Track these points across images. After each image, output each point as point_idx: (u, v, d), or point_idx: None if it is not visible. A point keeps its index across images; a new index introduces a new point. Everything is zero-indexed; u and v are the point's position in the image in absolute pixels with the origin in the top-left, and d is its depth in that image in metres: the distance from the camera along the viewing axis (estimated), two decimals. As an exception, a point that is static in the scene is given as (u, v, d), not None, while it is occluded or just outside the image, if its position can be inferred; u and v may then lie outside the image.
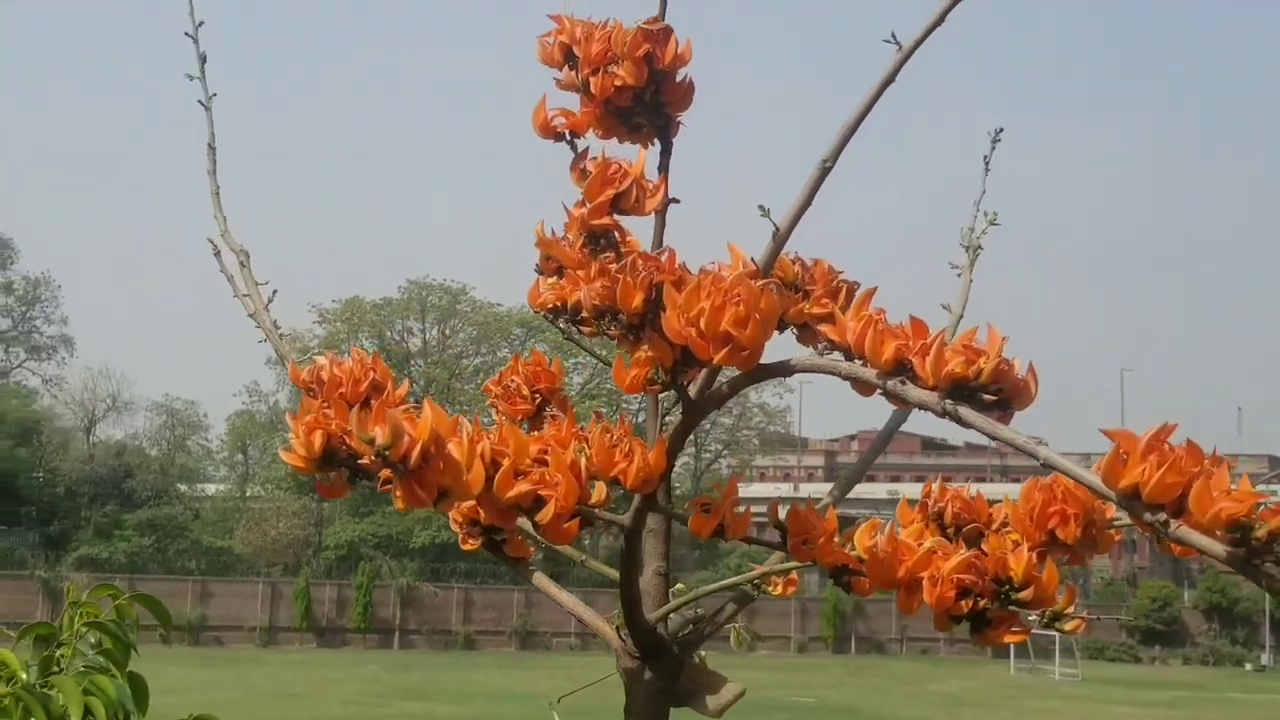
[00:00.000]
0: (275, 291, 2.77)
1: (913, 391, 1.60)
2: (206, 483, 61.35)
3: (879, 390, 1.68)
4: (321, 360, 2.18)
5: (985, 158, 3.15)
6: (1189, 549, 1.40)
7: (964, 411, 1.54)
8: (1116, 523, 1.98)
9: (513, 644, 48.42)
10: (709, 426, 56.54)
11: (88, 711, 1.83)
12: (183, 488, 55.36)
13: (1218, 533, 1.31)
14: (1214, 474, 1.34)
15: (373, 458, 1.60)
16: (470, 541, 2.31)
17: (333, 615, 46.64)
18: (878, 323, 1.69)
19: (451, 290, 54.56)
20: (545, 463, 1.74)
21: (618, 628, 2.21)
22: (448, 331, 55.11)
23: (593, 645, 45.27)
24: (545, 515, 1.69)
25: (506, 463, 1.68)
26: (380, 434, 1.59)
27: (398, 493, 1.62)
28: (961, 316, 2.72)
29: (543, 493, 1.70)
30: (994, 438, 1.50)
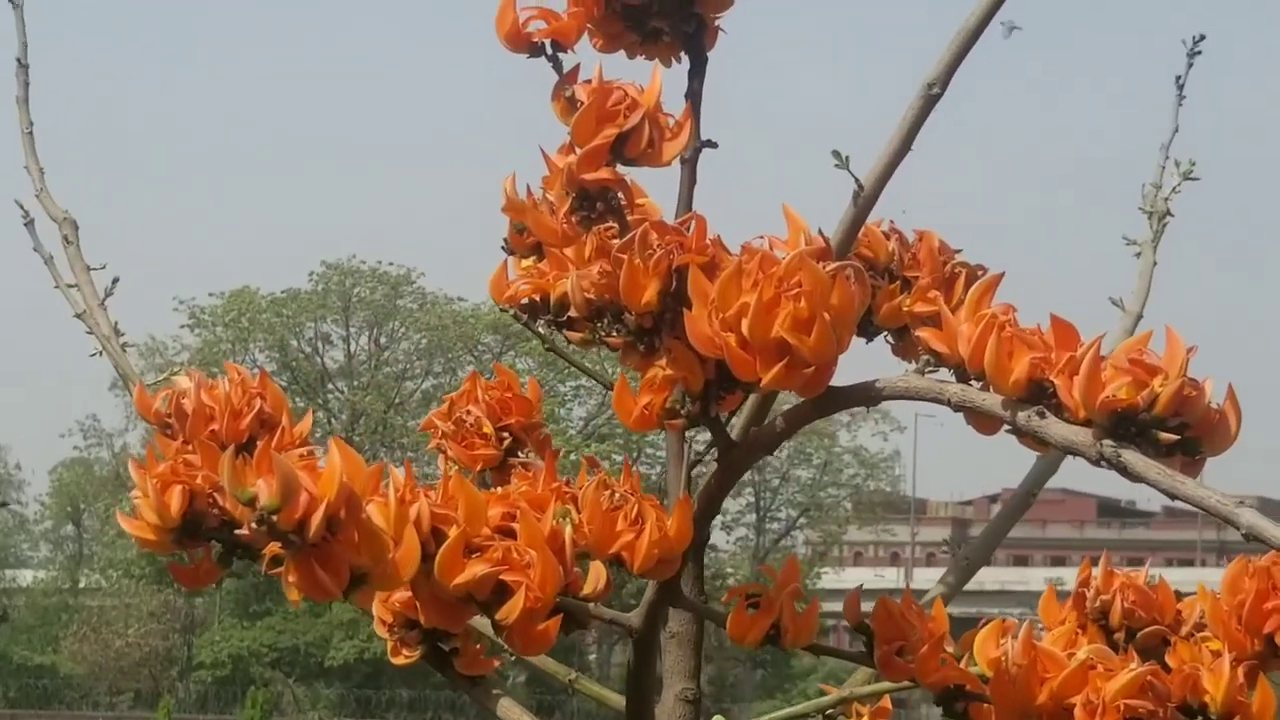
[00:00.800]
0: (116, 280, 2.84)
1: (1055, 427, 1.64)
2: (19, 567, 61.74)
3: (1005, 426, 1.71)
4: (184, 382, 2.23)
5: (1178, 80, 3.21)
6: None
7: (1129, 457, 1.58)
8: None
9: (482, 811, 48.61)
10: (778, 483, 56.71)
11: None
12: (-17, 576, 55.80)
13: None
14: None
15: (254, 525, 1.64)
16: (405, 653, 2.36)
17: (209, 768, 46.91)
18: (1004, 326, 1.73)
19: (389, 278, 54.83)
20: (512, 533, 1.78)
21: (625, 783, 2.25)
22: (383, 339, 55.38)
23: (601, 813, 45.42)
24: (511, 611, 1.73)
25: (454, 533, 1.72)
26: (265, 491, 1.63)
27: (290, 579, 1.66)
28: (1140, 316, 2.77)
29: (507, 578, 1.74)
30: (1173, 496, 1.54)
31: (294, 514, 1.62)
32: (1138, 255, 2.93)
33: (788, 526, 57.75)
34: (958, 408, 1.77)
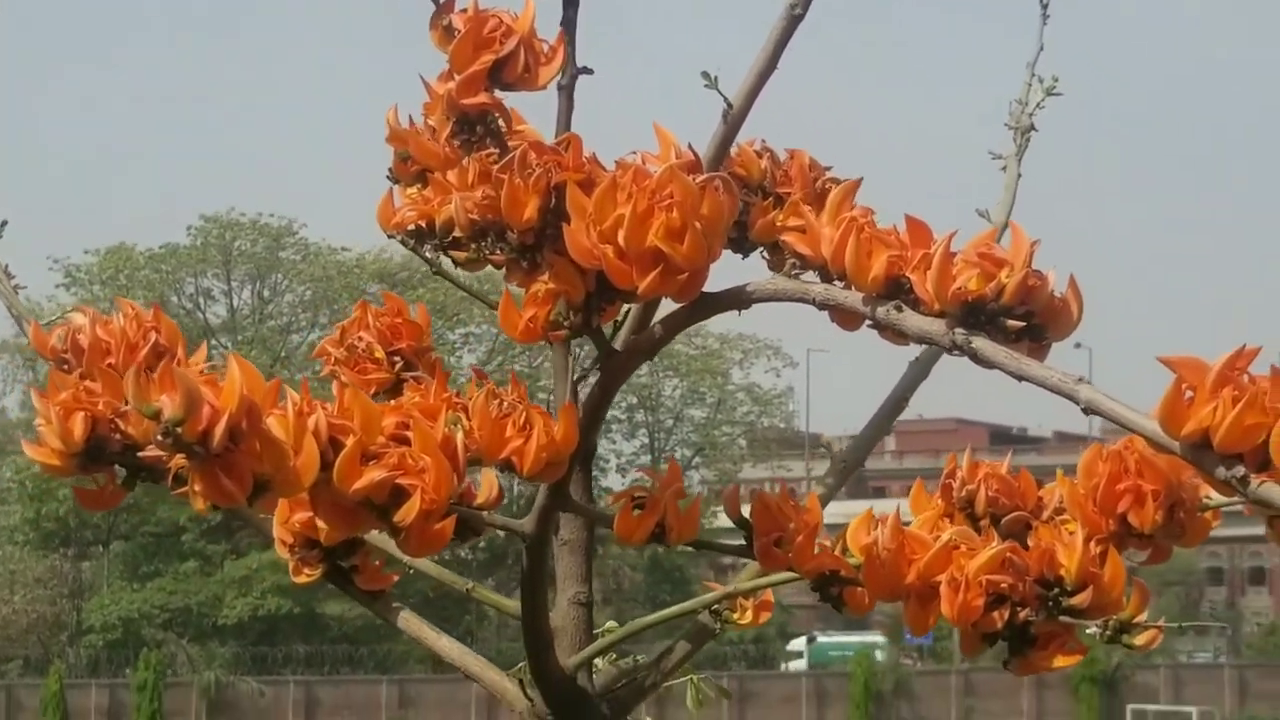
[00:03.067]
0: (5, 222, 2.90)
1: (912, 319, 1.77)
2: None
3: (866, 321, 1.84)
4: (79, 318, 2.31)
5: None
6: (1274, 512, 1.57)
7: (979, 343, 1.71)
8: (1212, 503, 2.16)
9: (383, 765, 48.61)
10: (672, 423, 56.95)
11: None
12: None
13: (1314, 491, 1.49)
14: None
15: (160, 438, 1.74)
16: (306, 571, 2.46)
17: (103, 732, 46.63)
18: (863, 227, 1.86)
19: (270, 230, 54.46)
20: (406, 441, 1.89)
21: (521, 681, 2.37)
22: (266, 293, 55.09)
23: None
24: (407, 513, 1.84)
25: (351, 441, 1.83)
26: (169, 404, 1.73)
27: (196, 488, 1.77)
28: (1006, 226, 2.90)
29: (403, 482, 1.85)
30: (1020, 377, 1.67)
31: (198, 425, 1.73)
32: (1003, 169, 3.06)
33: (683, 466, 57.87)
34: (822, 306, 1.90)
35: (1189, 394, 1.59)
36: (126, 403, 1.98)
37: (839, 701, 52.45)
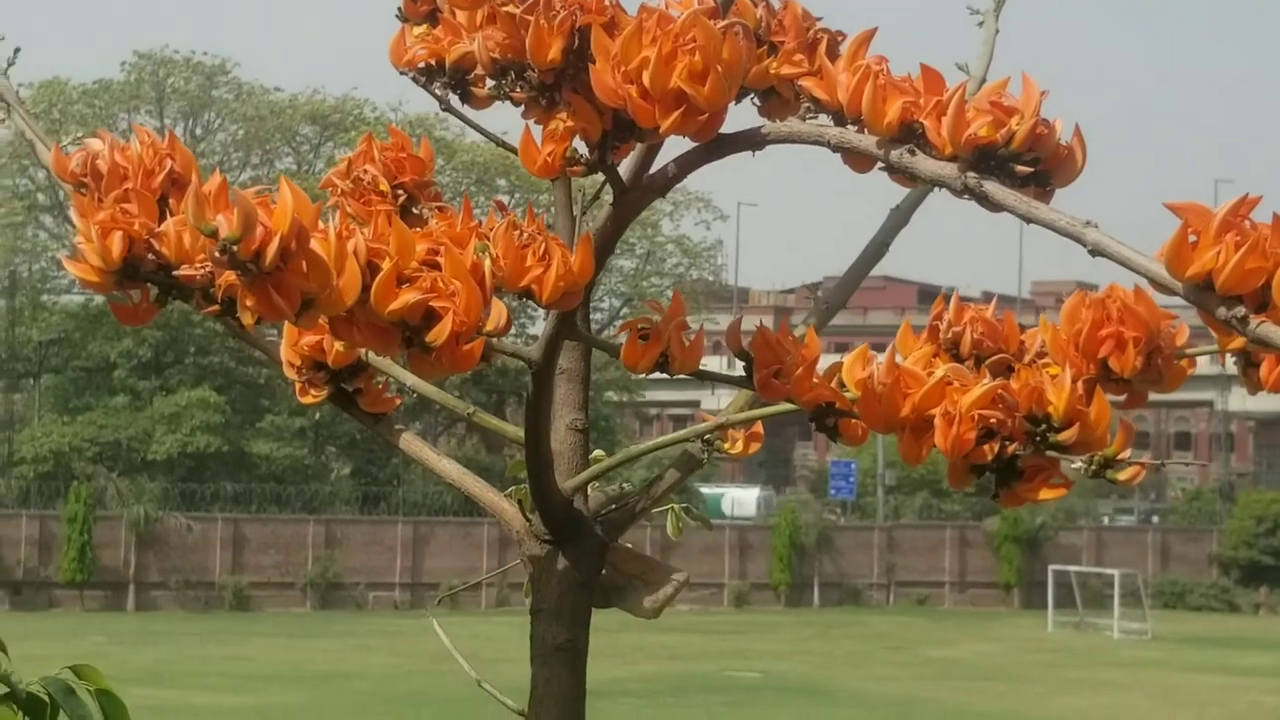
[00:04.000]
0: (18, 50, 2.96)
1: (924, 163, 1.86)
2: None
3: (879, 164, 1.93)
4: (97, 144, 2.37)
5: None
6: (1273, 354, 1.68)
7: (990, 187, 1.80)
8: (1188, 351, 2.27)
9: (307, 602, 49.00)
10: (601, 274, 56.98)
11: None
12: None
13: (1307, 331, 1.59)
14: (1296, 255, 1.62)
15: (216, 255, 1.82)
16: (312, 392, 2.55)
17: (32, 562, 46.79)
18: (878, 75, 1.94)
19: (204, 68, 54.03)
20: (438, 266, 1.97)
21: (520, 502, 2.47)
22: (199, 130, 54.71)
23: (427, 598, 45.92)
24: (439, 334, 1.92)
25: (387, 265, 1.91)
26: (225, 223, 1.81)
27: (247, 303, 1.85)
28: (984, 80, 2.98)
29: (435, 304, 1.93)
30: (1029, 219, 1.77)
31: (252, 244, 1.81)
32: (980, 24, 3.13)
33: (611, 316, 58.20)
34: (837, 148, 1.99)
35: (1193, 239, 1.68)
36: (160, 221, 2.06)
37: (760, 554, 53.03)
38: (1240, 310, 1.65)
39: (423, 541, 49.02)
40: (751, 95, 2.42)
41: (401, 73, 2.44)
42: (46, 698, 2.45)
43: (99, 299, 53.62)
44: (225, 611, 47.09)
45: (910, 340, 2.32)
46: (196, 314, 2.08)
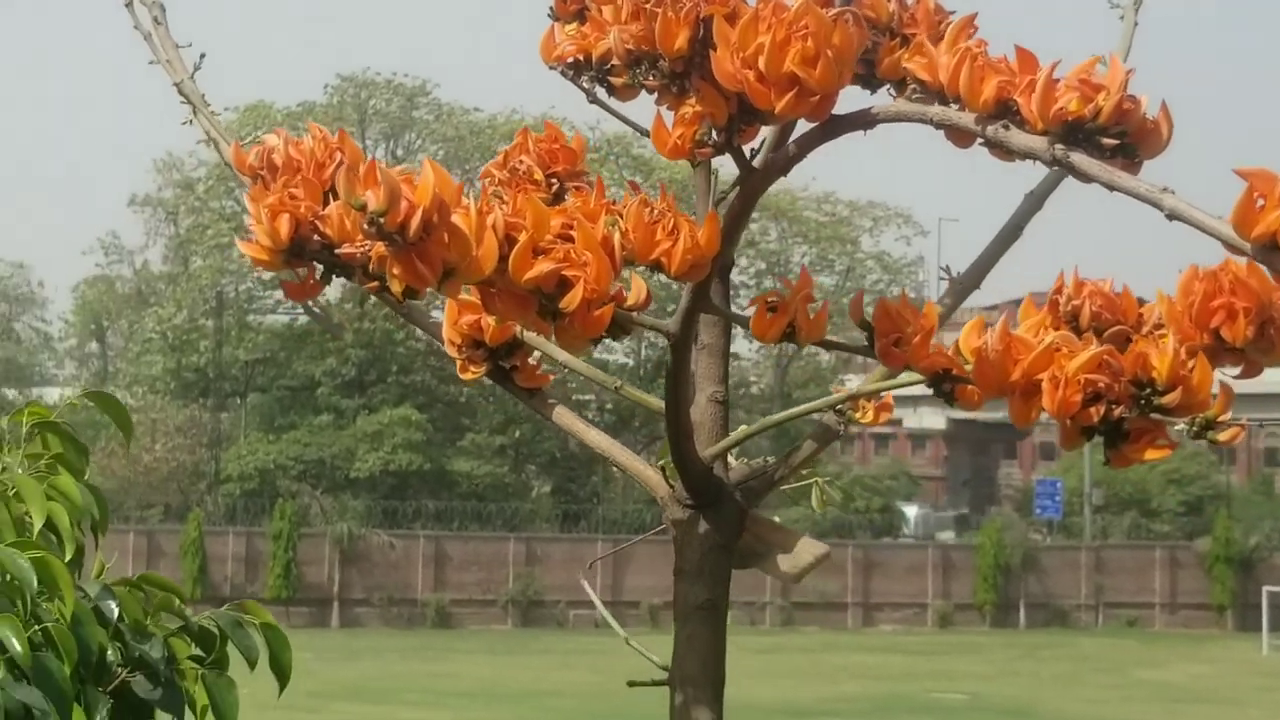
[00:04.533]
0: (203, 55, 3.17)
1: (1017, 137, 2.01)
2: (45, 385, 62.40)
3: (978, 139, 2.08)
4: (273, 140, 2.58)
5: None
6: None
7: (1077, 158, 1.95)
8: (1302, 322, 2.38)
9: (508, 619, 49.46)
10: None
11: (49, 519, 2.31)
12: (9, 393, 56.38)
13: (1367, 285, 1.72)
14: (1359, 216, 1.75)
15: (365, 227, 2.01)
16: (472, 368, 2.74)
17: (239, 578, 47.73)
18: (976, 56, 2.09)
19: (404, 89, 54.88)
20: (571, 239, 2.15)
21: (663, 467, 2.64)
22: (400, 151, 55.56)
23: (629, 619, 46.17)
24: (571, 300, 2.11)
25: (523, 237, 2.10)
26: (373, 198, 2.01)
27: (395, 271, 2.04)
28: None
29: (568, 273, 2.12)
30: (1111, 187, 1.91)
31: (397, 216, 2.01)
32: (1121, 17, 3.26)
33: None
34: (939, 125, 2.14)
35: (1260, 202, 1.81)
36: (326, 205, 2.26)
37: (964, 574, 52.62)
38: (1303, 267, 1.78)
39: (622, 559, 49.37)
40: (888, 86, 2.58)
41: (551, 68, 2.62)
42: (216, 630, 2.67)
43: (304, 319, 54.83)
44: (427, 628, 47.69)
45: (1032, 313, 2.46)
46: (367, 299, 2.26)
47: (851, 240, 57.55)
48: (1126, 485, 59.26)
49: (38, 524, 2.51)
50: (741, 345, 51.90)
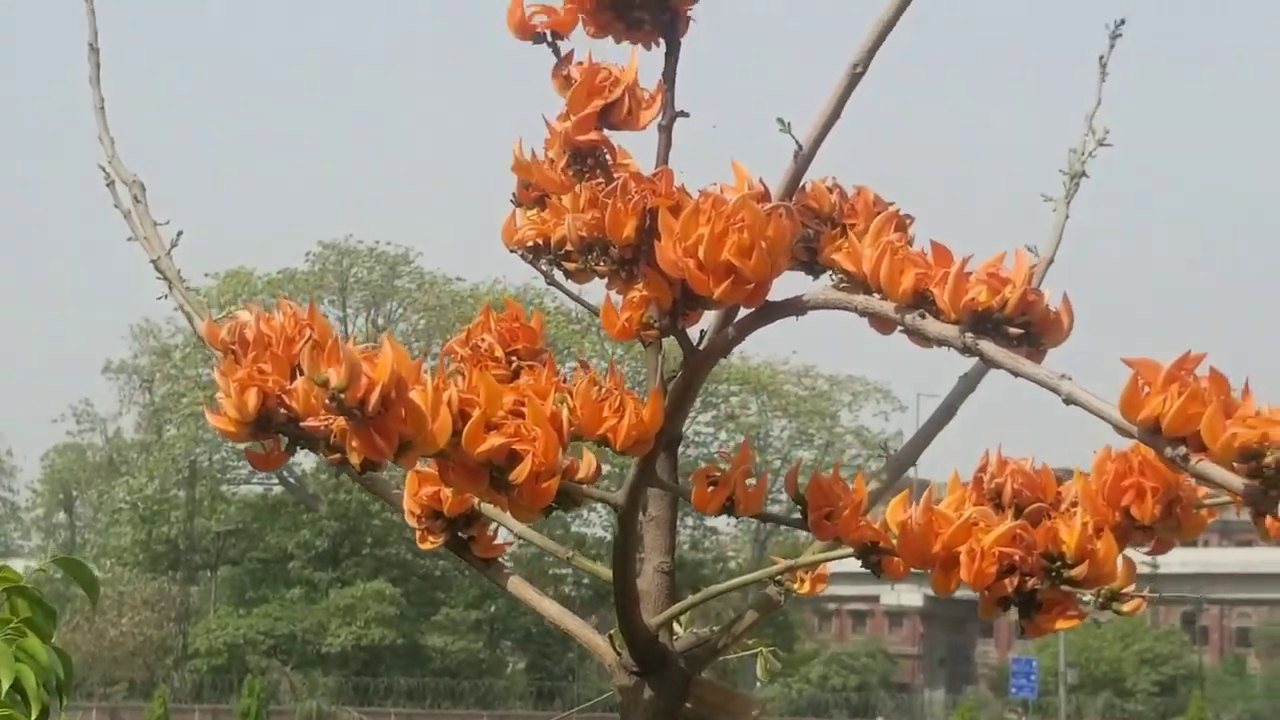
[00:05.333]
0: (180, 233, 3.37)
1: (932, 326, 2.20)
2: (10, 557, 62.00)
3: (898, 326, 2.27)
4: (245, 315, 2.75)
5: (1101, 58, 3.73)
6: (1210, 485, 1.99)
7: (985, 346, 2.14)
8: (1206, 501, 2.57)
9: (484, 800, 49.02)
10: (779, 464, 57.26)
11: (16, 680, 2.46)
12: (-25, 562, 56.03)
13: (1234, 465, 1.90)
14: (1233, 402, 1.93)
15: (327, 402, 2.19)
16: (430, 539, 2.91)
17: (205, 756, 47.30)
18: (897, 249, 2.29)
19: (387, 258, 55.25)
20: (522, 415, 2.33)
21: (611, 637, 2.80)
22: (382, 320, 55.85)
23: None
24: (521, 473, 2.28)
25: (476, 413, 2.28)
26: (335, 374, 2.19)
27: (353, 444, 2.22)
28: (1052, 261, 3.31)
29: (518, 447, 2.29)
30: (1016, 374, 2.09)
31: (357, 392, 2.19)
32: (1054, 210, 3.47)
33: (789, 509, 58.09)
34: (862, 313, 2.34)
35: (1145, 389, 2.00)
36: (292, 381, 2.44)
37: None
38: (1183, 450, 1.96)
39: (596, 738, 49.00)
40: (831, 274, 2.77)
41: (512, 250, 2.82)
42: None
43: (278, 489, 54.78)
44: (397, 807, 47.26)
45: (957, 489, 2.65)
46: (340, 472, 2.43)
47: (831, 415, 57.81)
48: (1101, 665, 59.40)
49: (4, 685, 2.66)
50: (720, 520, 51.98)
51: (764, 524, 56.83)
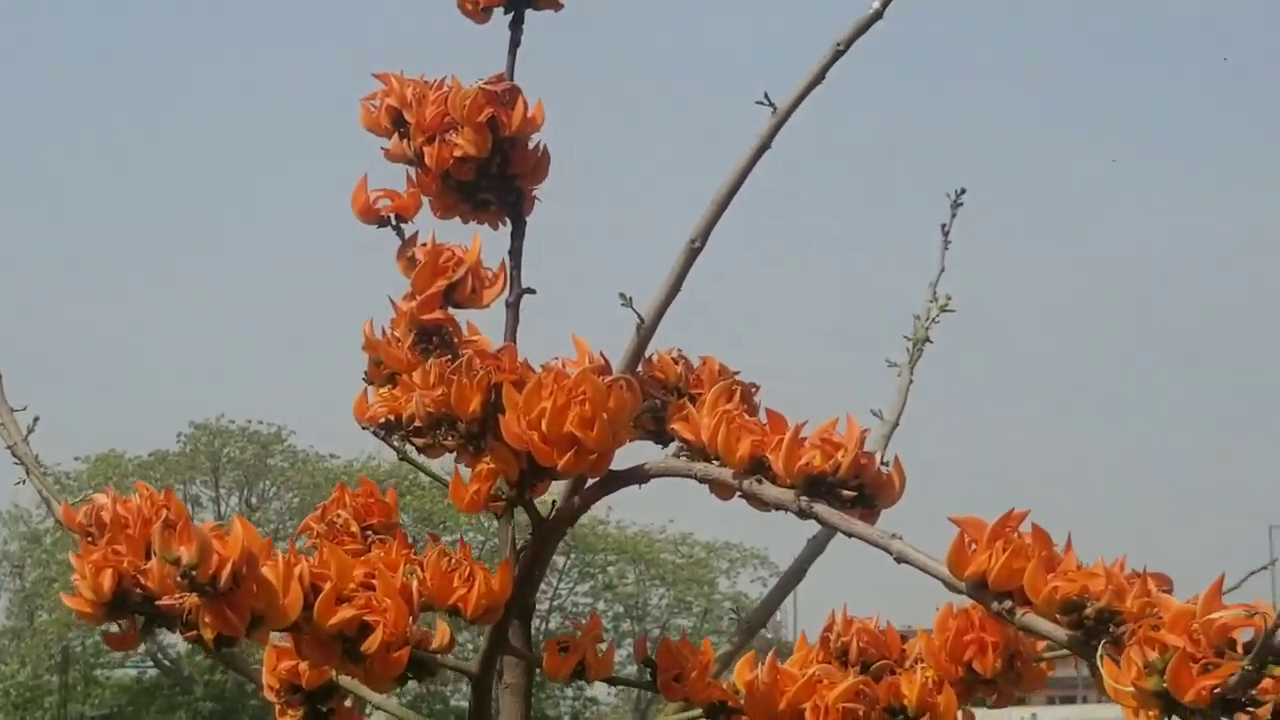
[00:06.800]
0: (37, 419, 3.39)
1: (769, 490, 2.26)
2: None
3: (736, 492, 2.33)
4: (101, 499, 2.78)
5: (943, 227, 3.83)
6: (1036, 637, 2.05)
7: (819, 508, 2.20)
8: (1047, 655, 2.64)
9: None
10: (658, 632, 56.99)
11: None
12: None
13: (1057, 616, 1.96)
14: (1056, 557, 2.00)
15: (179, 579, 2.22)
16: (289, 713, 2.92)
17: None
18: (733, 418, 2.36)
19: (259, 437, 54.90)
20: (373, 587, 2.37)
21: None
22: (254, 500, 55.38)
23: None
24: (372, 644, 2.31)
25: (328, 587, 2.31)
26: (186, 552, 2.22)
27: (206, 620, 2.24)
28: (896, 424, 3.40)
29: (368, 619, 2.33)
30: (849, 534, 2.16)
31: (209, 569, 2.21)
32: (898, 375, 3.56)
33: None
34: (702, 480, 2.40)
35: (972, 546, 2.07)
36: (147, 561, 2.46)
37: None
38: (1009, 603, 2.02)
39: None
40: (676, 440, 2.83)
41: (364, 427, 2.86)
42: None
43: (153, 672, 54.07)
44: None
45: (804, 648, 2.71)
46: (249, 685, 2.45)
47: (709, 582, 57.64)
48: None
49: None
50: (600, 689, 51.73)
51: (645, 694, 56.60)
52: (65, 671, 53.10)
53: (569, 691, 50.51)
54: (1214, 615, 1.80)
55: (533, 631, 2.82)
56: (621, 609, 55.80)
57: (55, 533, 51.36)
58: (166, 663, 52.78)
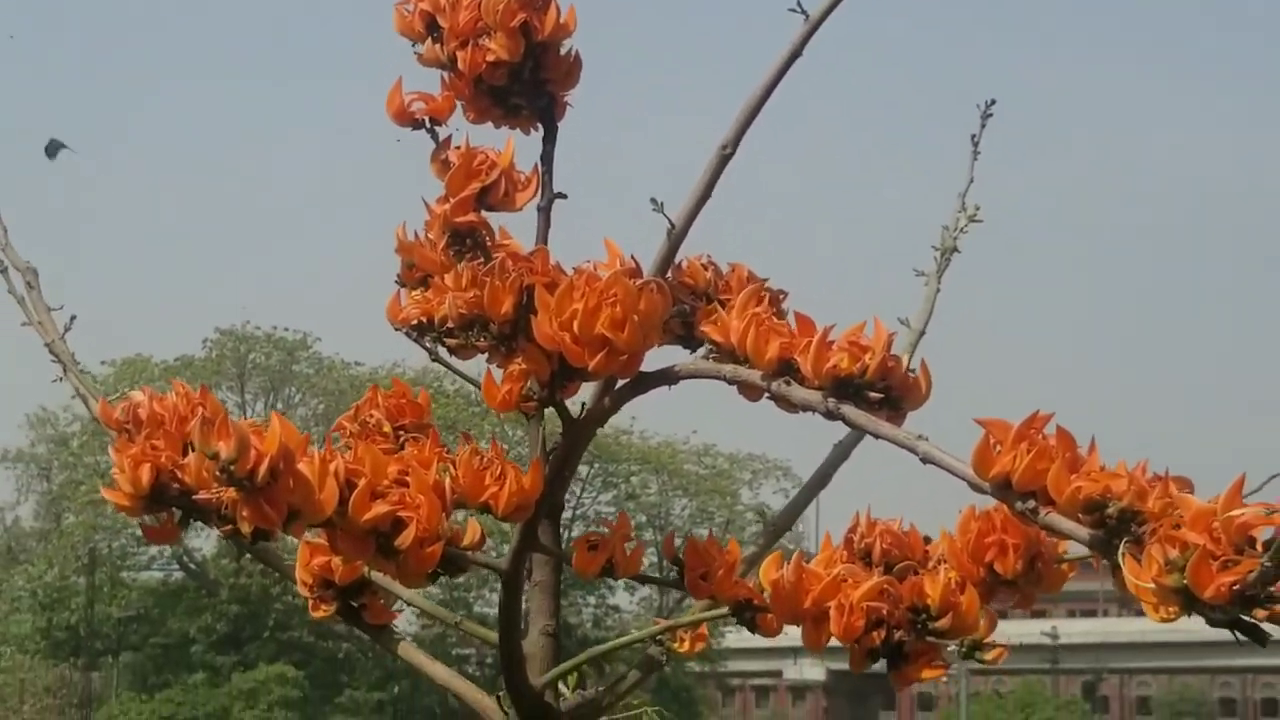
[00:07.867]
0: (74, 317, 3.42)
1: (797, 392, 2.29)
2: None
3: (765, 393, 2.36)
4: (139, 396, 2.82)
5: (973, 137, 3.84)
6: (1058, 536, 2.09)
7: (847, 410, 2.23)
8: (1067, 556, 2.67)
9: None
10: (680, 543, 57.18)
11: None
12: None
13: (1079, 516, 2.00)
14: (1079, 458, 2.03)
15: (217, 474, 2.26)
16: (322, 608, 2.97)
17: (109, 845, 46.72)
18: (762, 320, 2.38)
19: (285, 343, 55.02)
20: (406, 484, 2.40)
21: (499, 698, 2.87)
22: (280, 405, 55.52)
23: None
24: (405, 539, 2.35)
25: (362, 483, 2.35)
26: (225, 447, 2.26)
27: (243, 514, 2.28)
28: (923, 333, 3.42)
29: (402, 514, 2.37)
30: (875, 435, 2.19)
31: (246, 464, 2.25)
32: (925, 284, 3.58)
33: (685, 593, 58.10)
34: (731, 381, 2.42)
35: (997, 447, 2.10)
36: (184, 456, 2.50)
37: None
38: (1032, 503, 2.05)
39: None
40: (706, 344, 2.86)
41: (396, 329, 2.89)
42: None
43: (178, 574, 54.38)
44: None
45: (828, 549, 2.74)
46: (231, 561, 2.49)
47: (731, 493, 57.76)
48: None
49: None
50: (623, 597, 52.04)
51: (666, 601, 57.03)
52: (92, 573, 53.44)
53: (591, 599, 50.81)
54: (1234, 513, 1.83)
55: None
56: (644, 518, 55.96)
57: (82, 436, 51.66)
58: (193, 566, 53.11)
